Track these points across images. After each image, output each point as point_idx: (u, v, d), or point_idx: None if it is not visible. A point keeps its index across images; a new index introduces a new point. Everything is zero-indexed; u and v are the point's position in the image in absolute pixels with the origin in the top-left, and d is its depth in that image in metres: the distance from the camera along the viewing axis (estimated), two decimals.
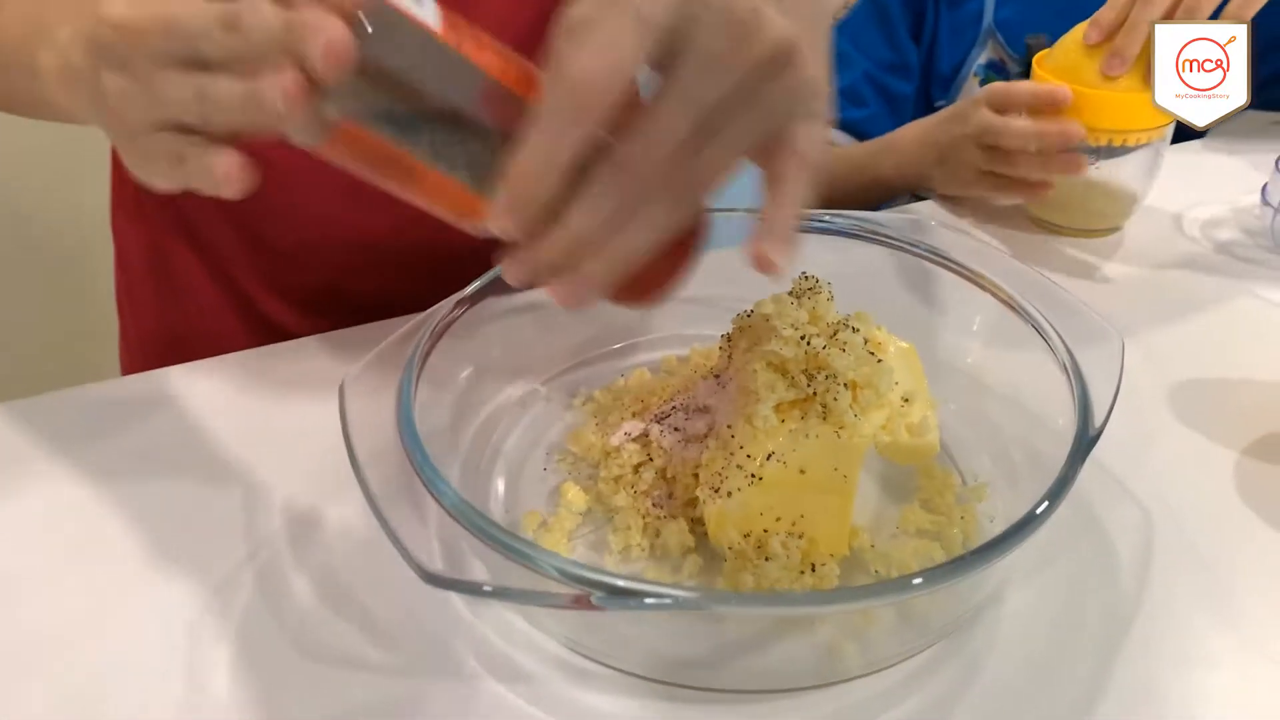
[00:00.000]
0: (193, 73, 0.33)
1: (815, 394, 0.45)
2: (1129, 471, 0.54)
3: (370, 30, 0.32)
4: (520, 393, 0.59)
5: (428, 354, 0.50)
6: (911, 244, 0.57)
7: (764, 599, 0.42)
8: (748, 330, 0.48)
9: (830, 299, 0.47)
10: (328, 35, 0.31)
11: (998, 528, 0.49)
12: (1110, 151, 0.73)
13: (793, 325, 0.45)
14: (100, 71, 0.35)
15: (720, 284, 0.66)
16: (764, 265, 0.38)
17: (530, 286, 0.37)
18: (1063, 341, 0.49)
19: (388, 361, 0.50)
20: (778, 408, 0.46)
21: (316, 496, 0.52)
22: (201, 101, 0.33)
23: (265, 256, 0.71)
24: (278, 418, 0.59)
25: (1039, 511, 0.40)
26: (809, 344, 0.45)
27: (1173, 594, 0.47)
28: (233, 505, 0.52)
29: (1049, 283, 0.54)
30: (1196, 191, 0.83)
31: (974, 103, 0.76)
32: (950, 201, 0.84)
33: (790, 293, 0.48)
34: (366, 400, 0.47)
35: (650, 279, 0.39)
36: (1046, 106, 0.70)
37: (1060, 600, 0.47)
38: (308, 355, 0.64)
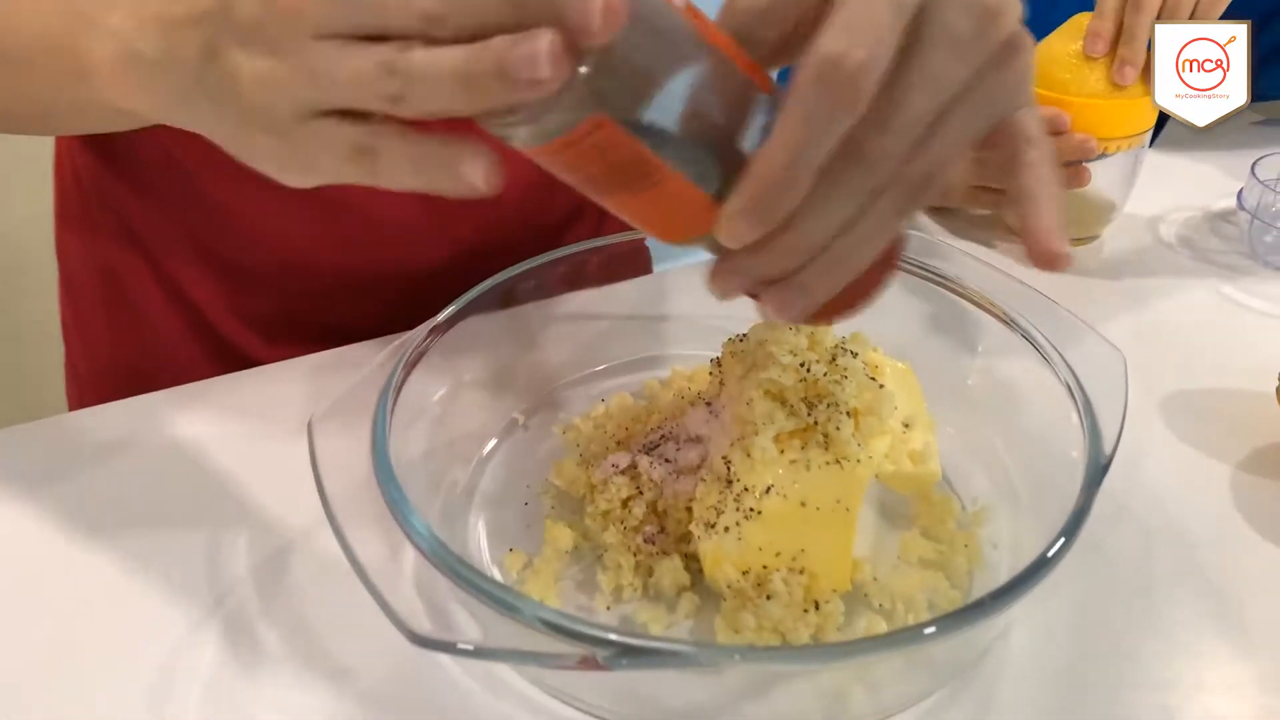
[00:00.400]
0: (366, 44, 0.28)
1: (816, 423, 0.43)
2: (1125, 489, 0.52)
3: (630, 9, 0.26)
4: (498, 423, 0.56)
5: (400, 387, 0.47)
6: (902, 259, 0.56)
7: (781, 654, 0.39)
8: (742, 356, 0.46)
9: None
10: None
11: (1003, 555, 0.48)
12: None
13: (791, 351, 0.43)
14: (219, 56, 0.30)
15: (697, 301, 0.64)
16: (1057, 263, 0.35)
17: (737, 295, 0.34)
18: (1065, 362, 0.48)
19: (358, 395, 0.47)
20: (776, 438, 0.44)
21: (286, 538, 0.49)
22: (390, 78, 0.27)
23: (226, 279, 0.68)
24: (242, 452, 0.55)
25: (1052, 553, 0.38)
26: (809, 371, 0.43)
27: (1181, 619, 0.46)
28: (195, 550, 0.49)
29: (1044, 299, 0.52)
30: (1171, 197, 0.83)
31: None
32: (925, 211, 0.83)
33: None
34: (337, 437, 0.44)
35: (859, 287, 0.35)
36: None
37: (1067, 629, 0.45)
38: (274, 383, 0.61)
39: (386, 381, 0.47)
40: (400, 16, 0.27)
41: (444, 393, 0.52)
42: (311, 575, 0.47)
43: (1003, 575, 0.46)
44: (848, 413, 0.43)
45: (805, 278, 0.32)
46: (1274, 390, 0.55)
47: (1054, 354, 0.49)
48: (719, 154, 0.31)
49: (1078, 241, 0.77)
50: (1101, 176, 0.73)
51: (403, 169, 0.30)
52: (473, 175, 0.29)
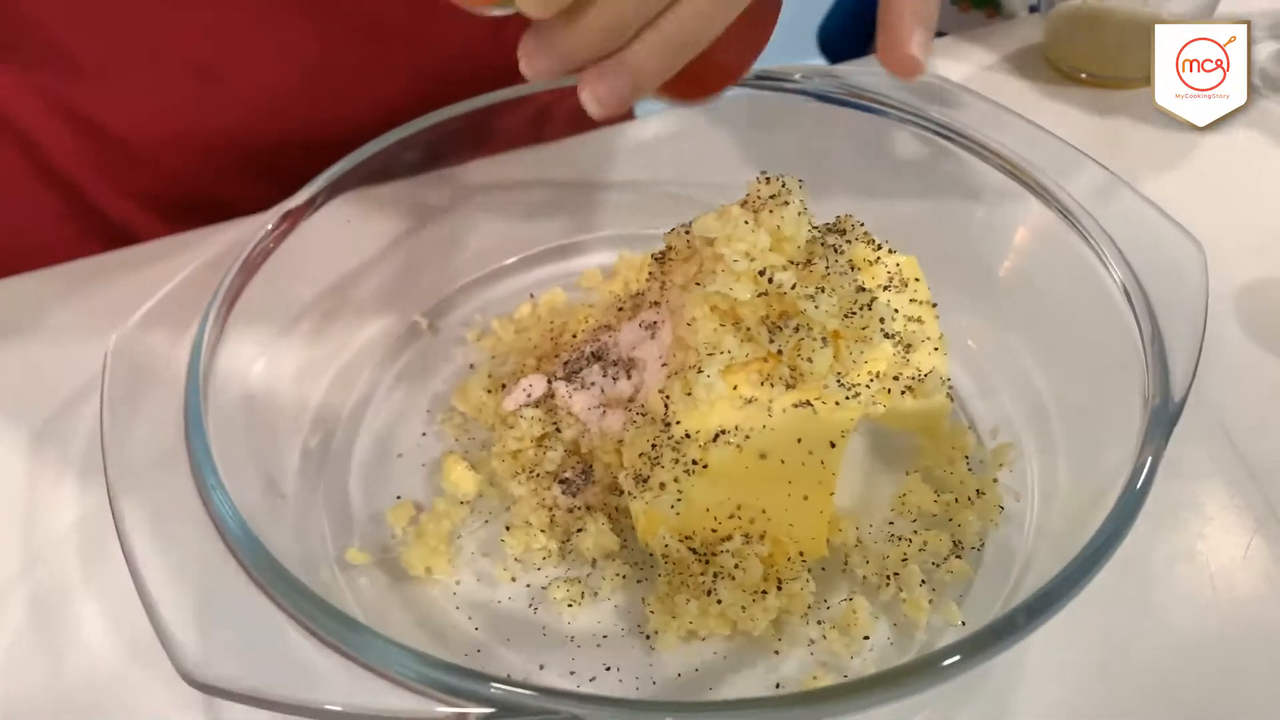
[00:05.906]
0: None
1: (780, 352, 0.32)
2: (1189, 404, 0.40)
3: None
4: (394, 329, 0.45)
5: (236, 294, 0.36)
6: (911, 113, 0.43)
7: (712, 709, 0.29)
8: (683, 259, 0.33)
9: (803, 212, 0.32)
10: None
11: (1025, 510, 0.37)
12: None
13: (747, 254, 0.31)
14: None
15: (670, 162, 0.51)
16: (907, 69, 0.31)
17: (550, 76, 0.28)
18: (1125, 260, 0.36)
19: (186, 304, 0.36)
20: (728, 370, 0.32)
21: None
22: None
23: (108, 152, 0.55)
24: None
25: (1091, 552, 0.27)
26: (771, 281, 0.31)
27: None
28: None
29: (1107, 173, 0.40)
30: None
31: None
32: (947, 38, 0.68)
33: (743, 203, 0.33)
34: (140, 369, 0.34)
35: (713, 63, 0.29)
36: None
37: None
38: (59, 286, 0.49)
39: (219, 285, 0.35)
40: None
41: (314, 293, 0.41)
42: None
43: (1028, 538, 0.36)
44: (824, 338, 0.31)
45: (631, 56, 0.28)
46: None
47: (1109, 246, 0.36)
48: None
49: (1132, 83, 0.63)
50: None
51: None
52: None
